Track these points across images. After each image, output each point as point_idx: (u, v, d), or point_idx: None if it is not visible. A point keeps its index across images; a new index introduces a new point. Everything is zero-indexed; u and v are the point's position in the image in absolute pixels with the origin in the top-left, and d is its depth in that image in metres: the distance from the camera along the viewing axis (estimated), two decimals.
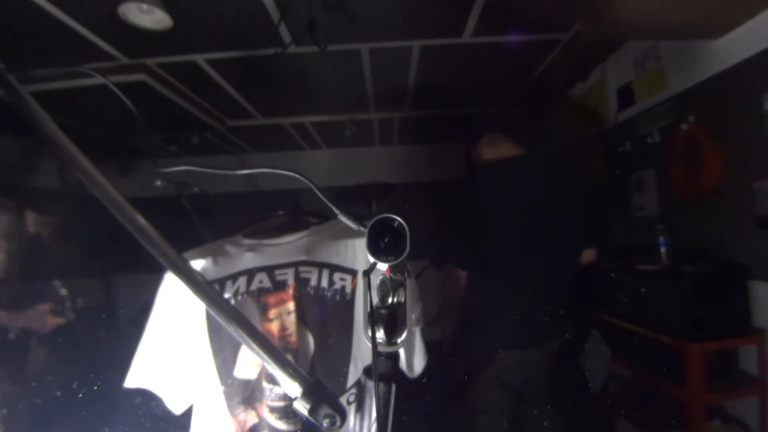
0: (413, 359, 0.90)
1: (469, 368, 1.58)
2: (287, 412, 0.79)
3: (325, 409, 0.43)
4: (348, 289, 0.84)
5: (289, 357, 0.79)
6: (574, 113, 2.91)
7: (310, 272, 0.84)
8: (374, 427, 0.54)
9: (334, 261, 0.86)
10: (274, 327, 0.81)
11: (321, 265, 0.85)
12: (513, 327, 1.47)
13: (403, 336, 0.55)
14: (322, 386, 0.45)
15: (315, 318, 0.83)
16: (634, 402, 2.03)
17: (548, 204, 1.52)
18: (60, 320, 1.78)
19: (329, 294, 0.83)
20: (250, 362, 0.80)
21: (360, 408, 0.58)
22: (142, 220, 0.43)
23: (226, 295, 0.83)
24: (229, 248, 0.90)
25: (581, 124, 2.80)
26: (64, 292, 1.84)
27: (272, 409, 0.79)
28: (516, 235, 1.48)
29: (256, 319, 0.81)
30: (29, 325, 1.72)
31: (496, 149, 1.67)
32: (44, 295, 1.78)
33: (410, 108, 3.14)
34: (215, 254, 0.87)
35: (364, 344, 0.82)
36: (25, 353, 1.81)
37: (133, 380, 0.83)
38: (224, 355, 0.81)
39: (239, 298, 0.82)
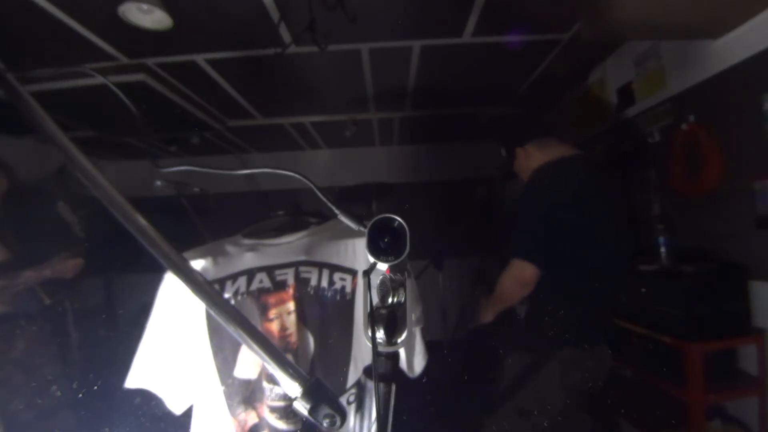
0: (413, 359, 0.90)
1: (531, 368, 1.51)
2: (287, 412, 0.79)
3: (325, 409, 0.43)
4: (348, 289, 0.84)
5: (289, 357, 0.79)
6: (574, 113, 2.91)
7: (310, 272, 0.84)
8: (374, 427, 0.54)
9: (334, 261, 0.86)
10: (274, 327, 0.81)
11: (321, 265, 0.85)
12: (579, 324, 1.45)
13: (403, 336, 0.55)
14: (322, 386, 0.45)
15: (315, 318, 0.83)
16: (634, 402, 2.03)
17: (610, 202, 1.51)
18: (79, 261, 1.89)
19: (329, 294, 0.83)
20: (250, 362, 0.80)
21: (360, 408, 0.58)
22: (142, 221, 0.43)
23: (226, 295, 0.82)
24: (229, 248, 0.90)
25: (581, 124, 2.80)
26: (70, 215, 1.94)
27: (272, 409, 0.79)
28: (585, 231, 1.44)
29: (256, 319, 0.81)
30: (56, 275, 1.82)
31: (552, 150, 1.58)
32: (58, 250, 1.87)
33: (410, 108, 3.14)
34: (215, 254, 0.87)
35: (364, 344, 0.82)
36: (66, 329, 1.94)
37: (133, 380, 0.83)
38: (224, 355, 0.81)
39: (239, 298, 0.82)
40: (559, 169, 1.52)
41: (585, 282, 1.44)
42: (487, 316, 1.61)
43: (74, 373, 1.83)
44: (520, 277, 1.45)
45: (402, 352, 0.79)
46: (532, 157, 1.60)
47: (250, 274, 0.84)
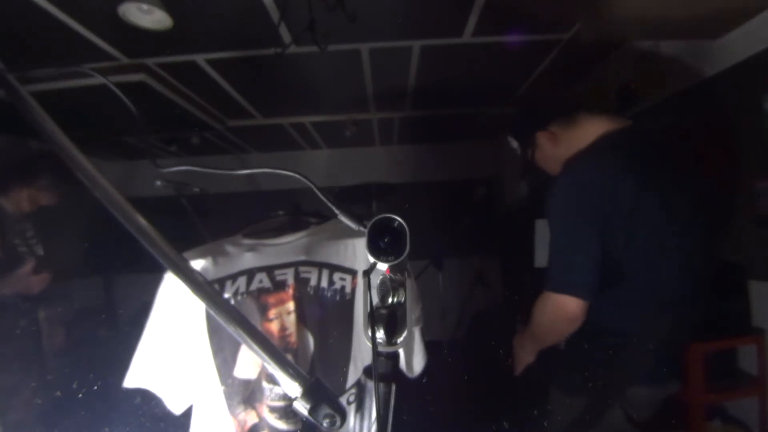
0: (413, 359, 0.90)
1: (593, 407, 1.18)
2: (287, 412, 0.79)
3: (325, 409, 0.43)
4: (348, 289, 0.84)
5: (289, 357, 0.79)
6: None
7: (309, 272, 0.84)
8: (374, 427, 0.54)
9: (334, 261, 0.86)
10: (274, 327, 0.81)
11: (321, 265, 0.86)
12: (648, 356, 1.10)
13: (403, 336, 0.55)
14: (322, 386, 0.45)
15: (315, 318, 0.83)
16: None
17: (681, 190, 1.13)
18: (44, 276, 1.81)
19: (329, 294, 0.84)
20: (250, 362, 0.80)
21: (360, 408, 0.58)
22: (142, 221, 0.43)
23: (226, 295, 0.83)
24: (229, 248, 0.90)
25: None
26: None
27: (272, 409, 0.79)
28: (650, 239, 1.07)
29: (255, 319, 0.81)
30: (16, 290, 1.76)
31: (587, 127, 1.17)
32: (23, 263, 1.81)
33: (410, 108, 3.14)
34: (215, 254, 0.87)
35: (364, 344, 0.82)
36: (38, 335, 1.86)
37: (132, 380, 0.83)
38: (224, 355, 0.81)
39: (239, 298, 0.82)
40: (601, 154, 1.10)
41: (653, 303, 1.10)
42: (526, 355, 1.25)
43: (50, 380, 1.80)
44: (562, 312, 1.07)
45: (401, 352, 0.79)
46: (561, 141, 1.20)
47: (249, 274, 0.84)
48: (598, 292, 1.04)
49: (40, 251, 1.89)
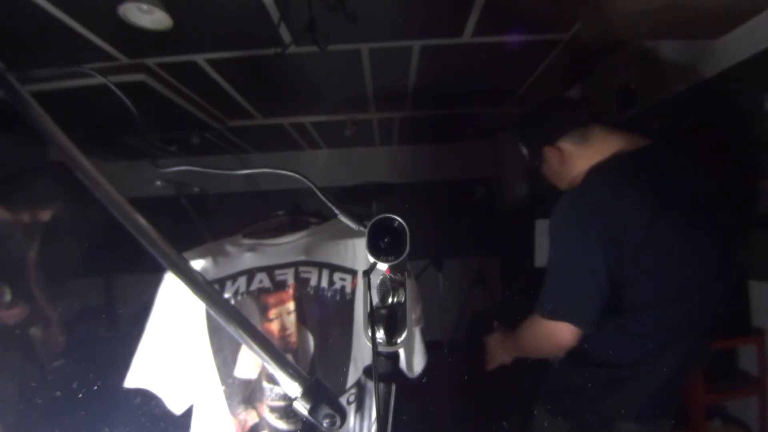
0: (413, 359, 0.90)
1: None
2: (287, 412, 0.79)
3: (325, 409, 0.43)
4: (348, 289, 0.84)
5: (289, 357, 0.79)
6: None
7: (310, 272, 0.85)
8: (374, 427, 0.54)
9: (334, 261, 0.86)
10: (274, 327, 0.81)
11: (321, 265, 0.86)
12: (643, 392, 1.04)
13: (403, 336, 0.55)
14: (322, 386, 0.45)
15: (315, 318, 0.83)
16: None
17: (708, 216, 1.03)
18: (20, 309, 1.73)
19: (329, 294, 0.84)
20: (250, 362, 0.81)
21: (360, 408, 0.58)
22: (142, 220, 0.43)
23: (226, 295, 0.83)
24: (229, 248, 0.90)
25: None
26: None
27: (272, 409, 0.80)
28: (664, 265, 0.98)
29: (256, 319, 0.81)
30: None
31: (600, 145, 1.07)
32: None
33: (410, 108, 3.14)
34: (215, 254, 0.88)
35: (364, 344, 0.82)
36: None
37: (132, 380, 0.83)
38: (224, 355, 0.81)
39: (239, 298, 0.82)
40: (614, 176, 1.01)
41: (656, 338, 1.01)
42: (503, 356, 1.22)
43: (50, 380, 1.77)
44: (555, 341, 1.00)
45: (402, 352, 0.79)
46: (569, 159, 1.11)
47: (250, 274, 0.84)
48: (598, 325, 0.96)
49: (8, 297, 1.81)
